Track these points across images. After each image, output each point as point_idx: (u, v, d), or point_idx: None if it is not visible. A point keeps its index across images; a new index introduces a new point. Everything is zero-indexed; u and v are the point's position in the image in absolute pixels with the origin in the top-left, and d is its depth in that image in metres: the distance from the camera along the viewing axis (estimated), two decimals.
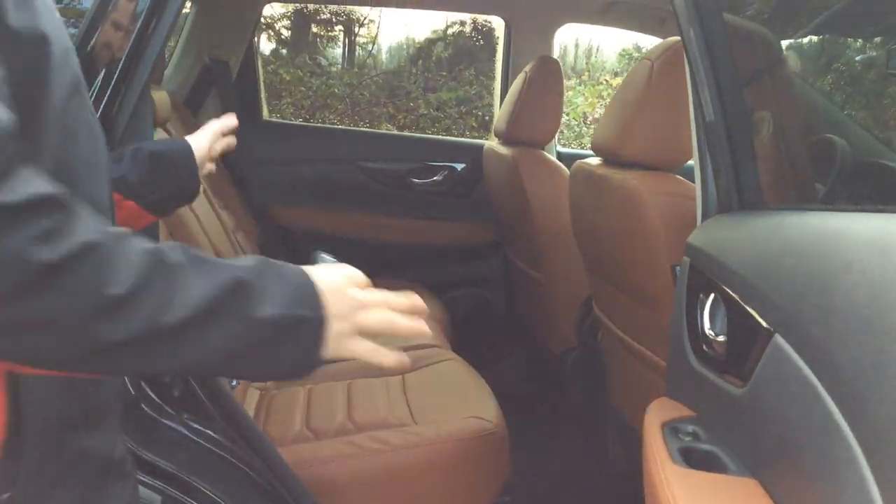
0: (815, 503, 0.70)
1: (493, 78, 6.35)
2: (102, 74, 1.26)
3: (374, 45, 7.59)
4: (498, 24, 3.72)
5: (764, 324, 0.86)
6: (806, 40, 1.90)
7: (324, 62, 7.50)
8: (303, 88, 6.85)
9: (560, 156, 2.92)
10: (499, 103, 3.11)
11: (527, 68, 2.54)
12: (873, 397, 0.54)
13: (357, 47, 7.62)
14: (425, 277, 3.03)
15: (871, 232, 0.61)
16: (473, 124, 6.79)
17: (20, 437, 0.69)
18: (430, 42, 7.35)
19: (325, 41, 7.50)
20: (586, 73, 8.20)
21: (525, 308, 2.87)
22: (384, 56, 8.12)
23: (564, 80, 2.64)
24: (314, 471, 1.54)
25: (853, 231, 0.64)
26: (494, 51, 4.31)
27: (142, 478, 1.25)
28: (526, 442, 1.98)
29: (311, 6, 7.06)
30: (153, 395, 1.29)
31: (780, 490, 0.86)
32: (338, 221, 3.12)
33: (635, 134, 1.63)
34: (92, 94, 1.26)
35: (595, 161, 1.86)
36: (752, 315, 0.90)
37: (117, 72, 1.26)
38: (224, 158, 3.10)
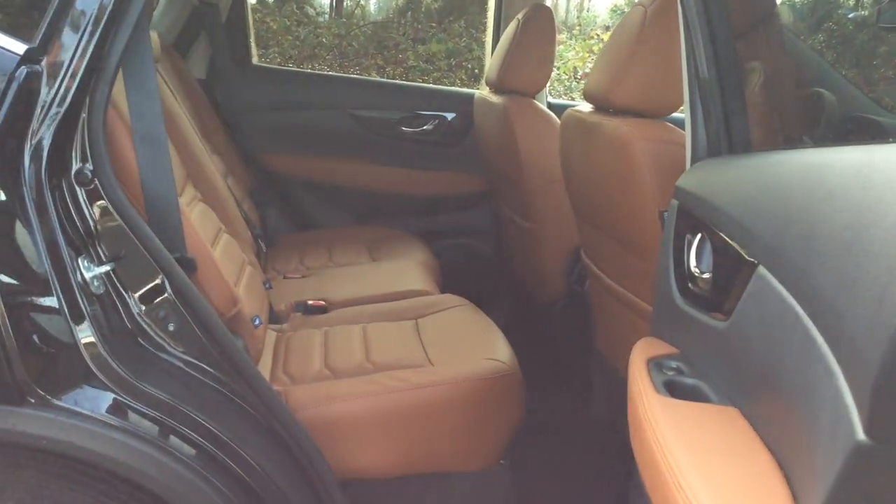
0: (792, 423, 0.73)
1: (483, 30, 6.28)
2: (95, 11, 1.25)
3: None
4: None
5: (748, 256, 0.89)
6: None
7: (311, 11, 7.38)
8: (290, 38, 6.77)
9: (551, 106, 2.92)
10: (489, 55, 3.07)
11: (519, 15, 2.51)
12: (850, 312, 0.57)
13: None
14: (415, 226, 3.04)
15: (853, 161, 0.64)
16: (463, 77, 6.73)
17: None
18: None
19: None
20: (577, 28, 8.14)
21: (514, 258, 2.90)
22: (372, 7, 8.01)
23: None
24: (335, 407, 1.58)
25: (835, 161, 0.67)
26: (485, 2, 4.27)
27: (140, 409, 1.28)
28: None
29: None
30: (149, 329, 1.31)
31: (759, 415, 0.90)
32: (327, 169, 3.11)
33: (627, 81, 1.63)
34: (83, 30, 1.26)
35: (586, 108, 1.87)
36: (736, 249, 0.93)
37: (109, 9, 1.25)
38: (214, 103, 3.06)
